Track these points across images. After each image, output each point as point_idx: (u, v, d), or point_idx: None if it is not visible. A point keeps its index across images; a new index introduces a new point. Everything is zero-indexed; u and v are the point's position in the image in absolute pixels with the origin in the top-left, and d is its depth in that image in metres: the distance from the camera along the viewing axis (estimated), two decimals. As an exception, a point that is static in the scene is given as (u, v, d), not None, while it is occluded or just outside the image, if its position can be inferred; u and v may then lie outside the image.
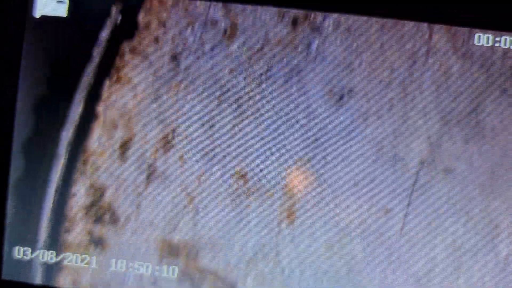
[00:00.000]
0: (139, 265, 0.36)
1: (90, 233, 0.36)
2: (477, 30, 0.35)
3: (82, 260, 0.36)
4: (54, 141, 0.36)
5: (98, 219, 0.36)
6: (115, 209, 0.36)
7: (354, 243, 0.35)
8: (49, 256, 0.36)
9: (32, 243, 0.36)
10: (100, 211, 0.36)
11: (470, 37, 0.35)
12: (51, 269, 0.36)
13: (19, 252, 0.36)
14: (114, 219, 0.36)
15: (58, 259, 0.36)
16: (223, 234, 0.36)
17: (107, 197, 0.36)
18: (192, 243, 0.36)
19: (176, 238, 0.36)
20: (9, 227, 0.36)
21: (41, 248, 0.36)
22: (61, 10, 0.36)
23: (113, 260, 0.36)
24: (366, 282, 0.35)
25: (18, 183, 0.36)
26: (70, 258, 0.36)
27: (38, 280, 0.36)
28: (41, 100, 0.36)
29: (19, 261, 0.36)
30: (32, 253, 0.36)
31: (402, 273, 0.35)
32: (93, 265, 0.36)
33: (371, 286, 0.35)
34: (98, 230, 0.36)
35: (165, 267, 0.36)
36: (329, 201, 0.35)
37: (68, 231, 0.36)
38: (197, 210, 0.36)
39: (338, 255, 0.35)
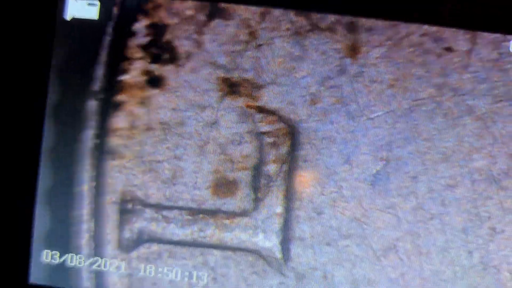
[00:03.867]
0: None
1: (120, 237, 0.36)
2: None
3: (111, 265, 0.36)
4: (80, 146, 0.36)
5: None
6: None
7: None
8: (77, 261, 0.36)
9: (60, 247, 0.36)
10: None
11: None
12: (79, 273, 0.36)
13: (47, 256, 0.36)
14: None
15: (87, 263, 0.36)
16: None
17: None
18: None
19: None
20: (38, 230, 0.36)
21: (70, 252, 0.36)
22: (92, 13, 0.36)
23: (142, 266, 0.36)
24: None
25: (47, 188, 0.36)
26: (99, 263, 0.36)
27: (65, 284, 0.36)
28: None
29: (47, 265, 0.36)
30: (60, 257, 0.36)
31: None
32: (122, 270, 0.36)
33: None
34: (128, 230, 0.36)
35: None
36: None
37: (97, 233, 0.36)
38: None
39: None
